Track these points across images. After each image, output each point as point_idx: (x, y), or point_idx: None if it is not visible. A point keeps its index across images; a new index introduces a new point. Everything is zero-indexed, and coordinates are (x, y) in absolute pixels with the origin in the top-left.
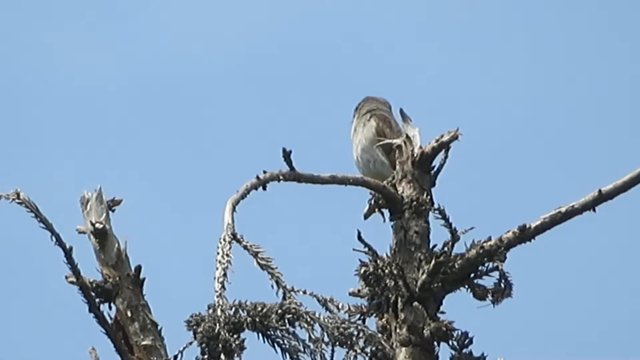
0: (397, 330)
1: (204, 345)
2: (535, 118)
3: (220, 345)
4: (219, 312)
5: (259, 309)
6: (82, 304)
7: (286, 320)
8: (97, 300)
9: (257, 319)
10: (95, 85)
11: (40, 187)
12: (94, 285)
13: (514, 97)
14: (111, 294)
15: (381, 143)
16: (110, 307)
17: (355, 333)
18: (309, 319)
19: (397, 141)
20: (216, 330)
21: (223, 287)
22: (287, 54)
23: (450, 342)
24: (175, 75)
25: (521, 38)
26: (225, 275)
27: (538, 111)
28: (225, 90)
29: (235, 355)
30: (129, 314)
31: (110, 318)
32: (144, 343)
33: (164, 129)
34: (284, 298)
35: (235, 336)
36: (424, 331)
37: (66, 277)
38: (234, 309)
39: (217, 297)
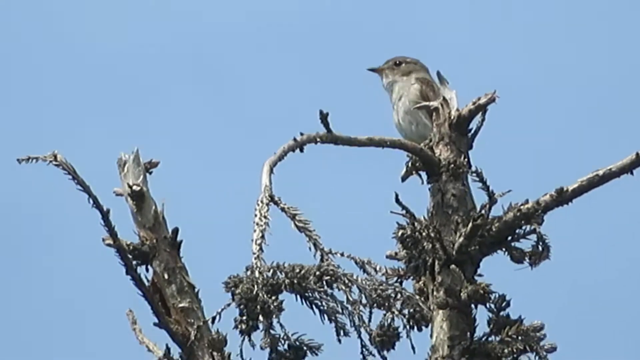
0: (434, 293)
1: (242, 306)
2: (573, 80)
3: (258, 306)
4: (257, 274)
5: (297, 270)
6: (120, 266)
7: (324, 282)
8: (134, 262)
9: (295, 281)
10: (126, 48)
11: (77, 149)
12: (131, 247)
13: (551, 58)
14: (148, 256)
15: (418, 105)
16: (147, 270)
17: (393, 295)
18: (346, 281)
19: (434, 103)
20: (254, 292)
21: (261, 249)
22: (317, 12)
23: (487, 305)
24: (208, 35)
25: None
26: (263, 237)
27: (576, 73)
28: (261, 51)
29: (274, 316)
30: (166, 276)
31: (148, 280)
32: (181, 305)
33: (199, 91)
34: (321, 260)
35: (273, 298)
36: (461, 294)
37: (103, 240)
38: (271, 270)
39: (255, 259)
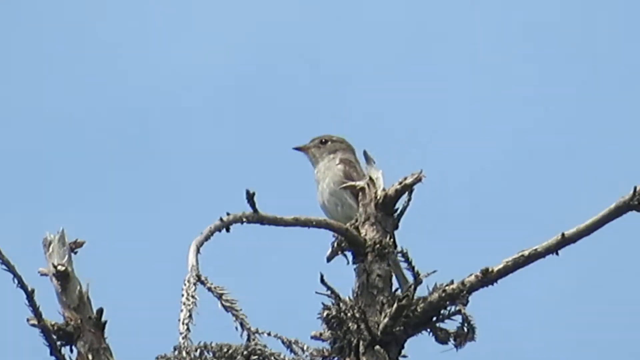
0: None
1: None
2: (499, 156)
3: None
4: (184, 354)
5: (225, 350)
6: (44, 346)
7: None
8: (58, 342)
9: None
10: (50, 119)
11: (1, 227)
12: (56, 327)
13: (477, 139)
14: (73, 337)
15: (345, 185)
16: (71, 350)
17: None
18: None
19: (361, 183)
20: None
21: (188, 329)
22: (246, 86)
23: None
24: (135, 107)
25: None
26: (190, 316)
27: (500, 151)
28: (189, 127)
29: None
30: (90, 357)
31: None
32: None
33: (127, 169)
34: (248, 340)
35: None
36: None
37: (28, 320)
38: (199, 350)
39: (183, 338)
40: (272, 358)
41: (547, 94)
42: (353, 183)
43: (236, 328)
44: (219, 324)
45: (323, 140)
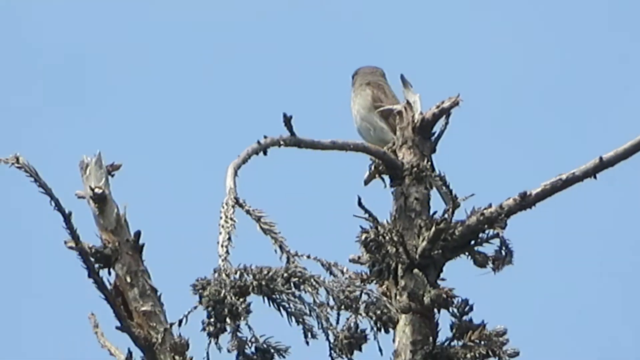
0: (397, 297)
1: (210, 309)
2: (538, 85)
3: (226, 309)
4: (224, 276)
5: (265, 272)
6: (82, 269)
7: (292, 284)
8: (96, 265)
9: (263, 283)
10: (85, 45)
11: (39, 151)
12: (93, 250)
13: (517, 64)
14: (110, 260)
15: (381, 109)
16: (109, 273)
17: (360, 297)
18: (314, 283)
19: (398, 107)
20: (222, 294)
21: (227, 251)
22: (288, 18)
23: (450, 309)
24: (172, 32)
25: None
26: (229, 239)
27: (541, 78)
28: (225, 51)
29: (242, 318)
30: (128, 279)
31: (110, 284)
32: (143, 309)
33: (164, 94)
34: (287, 263)
35: (241, 300)
36: (424, 298)
37: (65, 242)
38: (239, 273)
39: (222, 261)
40: (312, 280)
41: (591, 18)
42: (389, 107)
43: (275, 251)
44: (257, 247)
45: (355, 72)
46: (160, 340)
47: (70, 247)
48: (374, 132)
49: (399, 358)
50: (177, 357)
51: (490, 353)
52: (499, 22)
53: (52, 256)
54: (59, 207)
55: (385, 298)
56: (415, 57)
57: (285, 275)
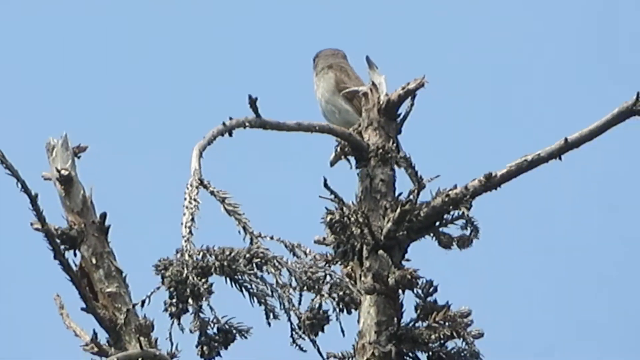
0: (362, 278)
1: (172, 289)
2: (502, 65)
3: (188, 289)
4: (187, 257)
5: (227, 253)
6: (47, 250)
7: (254, 265)
8: (62, 247)
9: (225, 263)
10: (51, 22)
11: (4, 132)
12: (59, 232)
13: (482, 41)
14: (76, 241)
15: (347, 90)
16: (75, 254)
17: (323, 278)
18: (276, 264)
19: (363, 88)
20: (184, 275)
21: (190, 232)
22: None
23: (415, 290)
24: (138, 9)
25: None
26: (193, 220)
27: (506, 57)
28: (191, 32)
29: (204, 299)
30: (93, 261)
31: (75, 265)
32: (108, 290)
33: (129, 71)
34: (251, 244)
35: (203, 280)
36: (389, 279)
37: (31, 224)
38: (201, 253)
39: (185, 242)
40: (275, 261)
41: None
42: (355, 88)
43: (239, 232)
44: (221, 228)
45: (316, 55)
46: (125, 322)
47: (37, 229)
48: (339, 114)
49: (363, 339)
50: (142, 338)
51: (454, 334)
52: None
53: (18, 238)
54: (25, 189)
55: (347, 279)
56: (380, 38)
57: (248, 256)
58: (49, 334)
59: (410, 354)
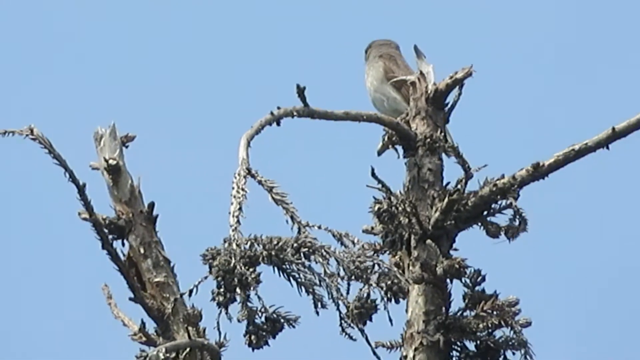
0: (410, 267)
1: (219, 279)
2: (551, 55)
3: (236, 279)
4: (234, 246)
5: (275, 242)
6: (95, 240)
7: (302, 254)
8: (110, 236)
9: (273, 253)
10: (101, 17)
11: (52, 122)
12: (107, 221)
13: (531, 34)
14: (124, 231)
15: (394, 80)
16: (123, 244)
17: (371, 267)
18: (324, 253)
19: (411, 77)
20: (232, 264)
21: (238, 221)
22: None
23: (462, 280)
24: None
25: None
26: (240, 209)
27: (555, 48)
28: (240, 22)
29: (251, 288)
30: (141, 250)
31: (123, 255)
32: (156, 280)
33: (176, 62)
34: (298, 233)
35: (250, 270)
36: (437, 269)
37: (79, 214)
38: (249, 243)
39: (233, 231)
40: (322, 250)
41: None
42: (402, 77)
43: (286, 221)
44: (269, 217)
45: (368, 45)
46: (173, 311)
47: (85, 219)
48: (387, 102)
49: (411, 328)
50: (190, 328)
51: (502, 323)
52: None
53: (66, 227)
54: (73, 179)
55: (395, 269)
56: (429, 27)
57: (295, 245)
58: (98, 323)
59: (458, 343)
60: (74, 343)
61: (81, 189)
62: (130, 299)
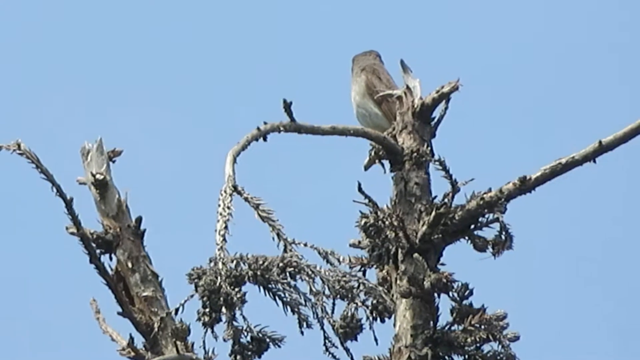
0: (398, 281)
1: (205, 298)
2: (537, 69)
3: (221, 298)
4: (220, 265)
5: (260, 262)
6: (83, 255)
7: (287, 274)
8: (97, 251)
9: (259, 272)
10: (85, 27)
11: (40, 137)
12: (95, 236)
13: (515, 46)
14: (112, 245)
15: (381, 94)
16: (110, 258)
17: (356, 286)
18: (310, 272)
19: (398, 92)
20: (217, 284)
21: (224, 239)
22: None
23: (450, 294)
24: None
25: None
26: (226, 227)
27: (541, 62)
28: (225, 37)
29: (237, 308)
30: (129, 265)
31: (111, 269)
32: (144, 294)
33: (162, 79)
34: (284, 250)
35: (236, 289)
36: (424, 282)
37: (67, 228)
38: (235, 262)
39: (219, 250)
40: (308, 270)
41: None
42: (389, 92)
43: (272, 239)
44: (255, 235)
45: (352, 59)
46: (161, 326)
47: (72, 233)
48: (370, 118)
49: (399, 342)
50: (178, 343)
51: (490, 337)
52: (498, 6)
53: (54, 242)
54: (60, 193)
55: (381, 288)
56: (415, 42)
57: (281, 265)
58: (86, 338)
59: (446, 358)
60: (62, 358)
61: (68, 204)
62: (118, 313)
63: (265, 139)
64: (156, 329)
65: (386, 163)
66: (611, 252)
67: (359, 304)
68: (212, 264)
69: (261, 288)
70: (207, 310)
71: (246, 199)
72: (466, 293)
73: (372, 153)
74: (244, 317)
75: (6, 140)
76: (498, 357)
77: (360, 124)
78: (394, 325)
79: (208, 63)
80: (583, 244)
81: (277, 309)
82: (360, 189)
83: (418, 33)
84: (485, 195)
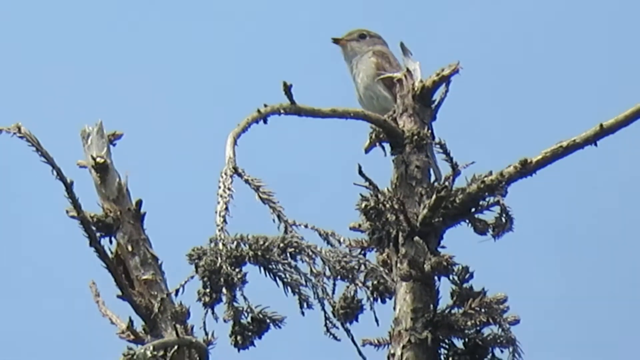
0: (398, 264)
1: (205, 278)
2: (538, 51)
3: (221, 279)
4: (220, 246)
5: (261, 242)
6: (83, 238)
7: (288, 254)
8: (97, 234)
9: (259, 253)
10: (86, 14)
11: (40, 120)
12: (95, 219)
13: (517, 28)
14: (112, 228)
15: (382, 77)
16: (110, 242)
17: (357, 267)
18: (310, 253)
19: (398, 75)
20: (218, 264)
21: (224, 221)
22: None
23: (450, 277)
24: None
25: None
26: (226, 209)
27: (541, 43)
28: (225, 19)
29: (237, 288)
30: (129, 248)
31: (111, 252)
32: (144, 277)
33: (164, 60)
34: (285, 232)
35: (236, 270)
36: (425, 266)
37: (67, 211)
38: (235, 242)
39: (219, 230)
40: (309, 250)
41: None
42: (390, 74)
43: (273, 220)
44: (255, 216)
45: (362, 34)
46: (161, 309)
47: (72, 216)
48: (377, 101)
49: (399, 325)
50: (177, 326)
51: (490, 320)
52: None
53: (54, 225)
54: (60, 176)
55: (382, 268)
56: (415, 23)
57: (282, 245)
58: (85, 321)
59: (446, 341)
60: (61, 341)
61: (69, 187)
62: (118, 296)
63: (265, 122)
64: (156, 311)
65: (387, 146)
66: (611, 234)
67: (360, 284)
68: (212, 245)
69: (262, 268)
70: (208, 290)
71: (247, 181)
72: (466, 276)
73: (373, 136)
74: (244, 297)
75: (6, 123)
76: (498, 340)
77: (364, 105)
78: (394, 308)
79: (209, 44)
80: (584, 227)
81: (277, 289)
82: (360, 172)
83: (419, 14)
84: (485, 179)
